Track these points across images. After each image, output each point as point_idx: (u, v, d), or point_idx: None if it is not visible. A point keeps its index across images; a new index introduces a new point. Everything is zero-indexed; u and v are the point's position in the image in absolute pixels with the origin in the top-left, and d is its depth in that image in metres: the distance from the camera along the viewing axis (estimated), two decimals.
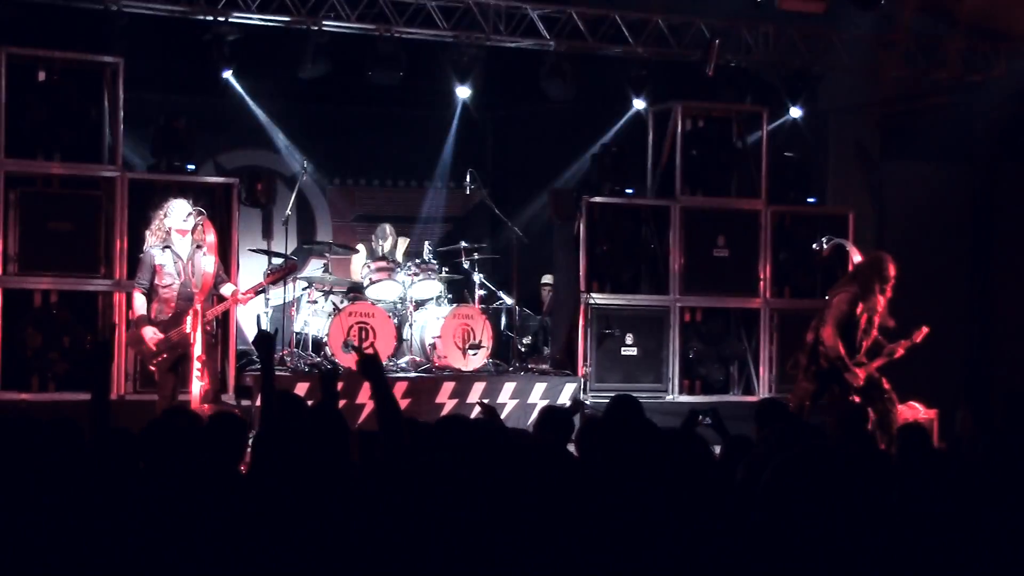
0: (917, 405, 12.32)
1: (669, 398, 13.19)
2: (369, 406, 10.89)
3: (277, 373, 11.97)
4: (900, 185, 15.51)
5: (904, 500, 4.16)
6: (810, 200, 14.45)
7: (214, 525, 4.10)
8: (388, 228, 13.94)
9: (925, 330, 10.46)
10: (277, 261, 12.69)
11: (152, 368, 10.29)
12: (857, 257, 12.03)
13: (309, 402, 7.96)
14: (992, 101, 14.25)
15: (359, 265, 13.63)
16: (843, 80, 14.70)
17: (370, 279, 12.91)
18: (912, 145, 15.28)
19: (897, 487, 4.62)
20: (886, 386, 10.49)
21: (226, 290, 10.54)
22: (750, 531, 2.92)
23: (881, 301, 10.40)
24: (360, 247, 14.10)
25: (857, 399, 10.24)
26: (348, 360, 11.96)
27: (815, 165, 14.99)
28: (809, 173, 14.61)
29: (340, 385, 6.26)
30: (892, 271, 10.41)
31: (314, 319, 12.67)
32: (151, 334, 10.07)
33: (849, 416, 10.20)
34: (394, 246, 13.95)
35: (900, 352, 10.50)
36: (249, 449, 5.73)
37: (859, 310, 10.34)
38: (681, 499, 4.47)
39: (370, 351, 5.61)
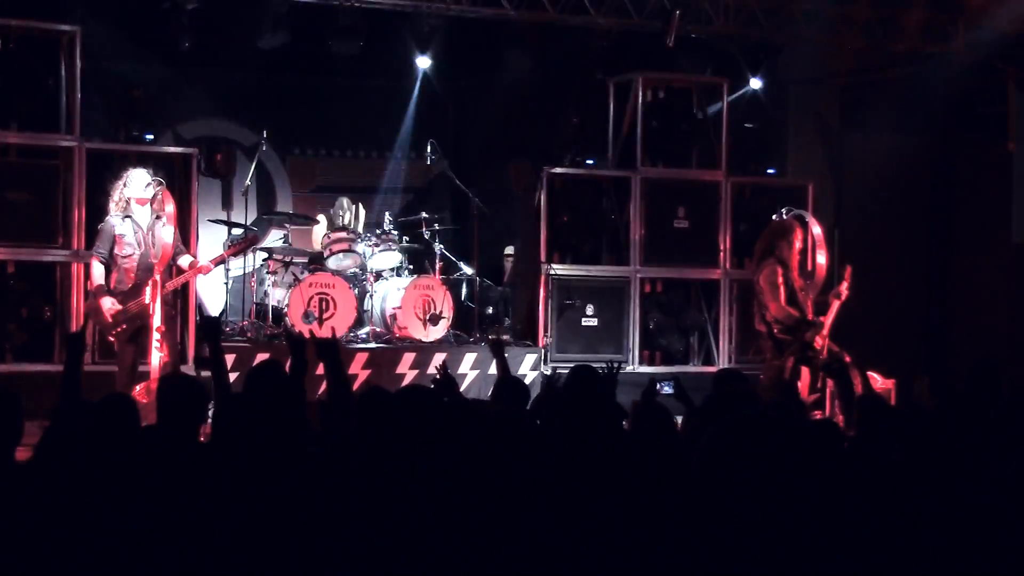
0: (875, 375, 12.42)
1: (629, 368, 13.22)
2: None
3: (238, 344, 11.99)
4: (859, 156, 15.58)
5: (862, 467, 4.20)
6: (770, 171, 14.51)
7: (177, 492, 4.10)
8: (346, 202, 13.90)
9: (848, 268, 10.85)
10: (237, 232, 12.65)
11: (111, 339, 10.26)
12: (816, 228, 12.12)
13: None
14: (950, 73, 14.32)
15: (320, 235, 13.58)
16: (803, 51, 14.71)
17: (330, 249, 12.87)
18: (871, 116, 15.34)
19: (846, 455, 4.66)
20: (847, 359, 10.62)
21: (184, 261, 10.51)
22: (696, 500, 2.95)
23: (796, 261, 10.75)
24: (321, 217, 14.05)
25: (824, 353, 10.49)
26: (308, 331, 11.95)
27: (775, 136, 15.04)
28: (769, 144, 14.67)
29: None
30: (795, 231, 10.76)
31: (274, 290, 12.63)
32: (108, 304, 10.04)
33: (778, 378, 10.48)
34: (355, 217, 13.90)
35: (839, 299, 10.80)
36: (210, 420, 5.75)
37: (784, 279, 10.57)
38: (641, 468, 4.49)
39: (328, 334, 5.71)
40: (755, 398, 6.38)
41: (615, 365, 7.12)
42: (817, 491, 2.80)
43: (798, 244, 10.88)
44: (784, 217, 11.36)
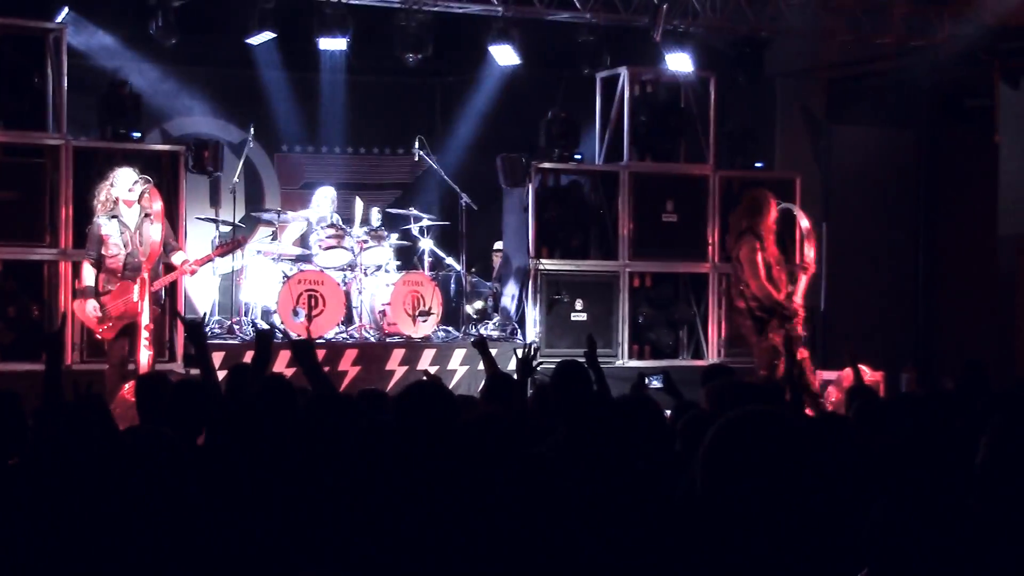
0: (864, 368, 12.43)
1: (619, 363, 13.24)
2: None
3: (227, 342, 11.96)
4: (846, 149, 15.60)
5: (860, 461, 4.20)
6: (757, 165, 14.51)
7: (165, 494, 4.10)
8: (331, 191, 13.70)
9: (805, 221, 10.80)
10: (225, 229, 12.63)
11: (99, 337, 10.25)
12: (804, 221, 12.12)
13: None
14: (936, 65, 14.34)
15: (294, 234, 13.43)
16: (790, 45, 14.73)
17: (319, 246, 12.85)
18: (858, 109, 15.36)
19: (848, 449, 4.67)
20: (802, 354, 10.57)
21: (176, 259, 10.53)
22: (695, 498, 2.94)
23: (772, 232, 10.69)
24: (302, 214, 13.94)
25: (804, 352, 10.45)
26: (298, 328, 11.92)
27: (762, 130, 15.04)
28: (756, 138, 14.66)
29: (289, 354, 6.28)
30: (770, 203, 10.72)
31: (263, 287, 12.60)
32: (90, 309, 10.04)
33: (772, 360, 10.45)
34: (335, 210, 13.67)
35: (806, 272, 10.75)
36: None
37: (762, 255, 10.55)
38: (631, 462, 4.50)
39: (303, 335, 5.72)
40: (754, 393, 6.38)
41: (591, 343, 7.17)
42: (827, 486, 2.80)
43: (773, 214, 10.84)
44: (755, 194, 11.32)
